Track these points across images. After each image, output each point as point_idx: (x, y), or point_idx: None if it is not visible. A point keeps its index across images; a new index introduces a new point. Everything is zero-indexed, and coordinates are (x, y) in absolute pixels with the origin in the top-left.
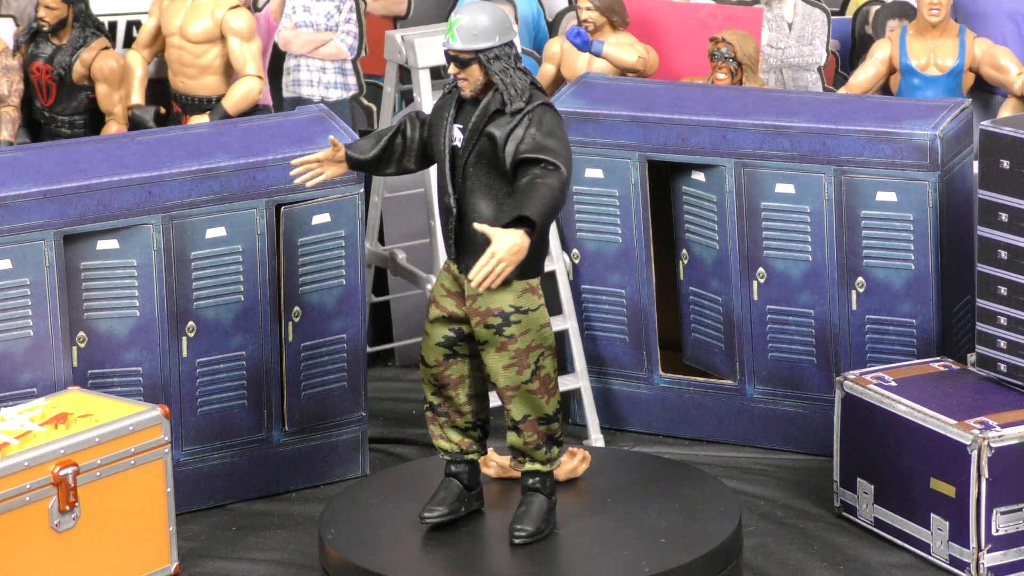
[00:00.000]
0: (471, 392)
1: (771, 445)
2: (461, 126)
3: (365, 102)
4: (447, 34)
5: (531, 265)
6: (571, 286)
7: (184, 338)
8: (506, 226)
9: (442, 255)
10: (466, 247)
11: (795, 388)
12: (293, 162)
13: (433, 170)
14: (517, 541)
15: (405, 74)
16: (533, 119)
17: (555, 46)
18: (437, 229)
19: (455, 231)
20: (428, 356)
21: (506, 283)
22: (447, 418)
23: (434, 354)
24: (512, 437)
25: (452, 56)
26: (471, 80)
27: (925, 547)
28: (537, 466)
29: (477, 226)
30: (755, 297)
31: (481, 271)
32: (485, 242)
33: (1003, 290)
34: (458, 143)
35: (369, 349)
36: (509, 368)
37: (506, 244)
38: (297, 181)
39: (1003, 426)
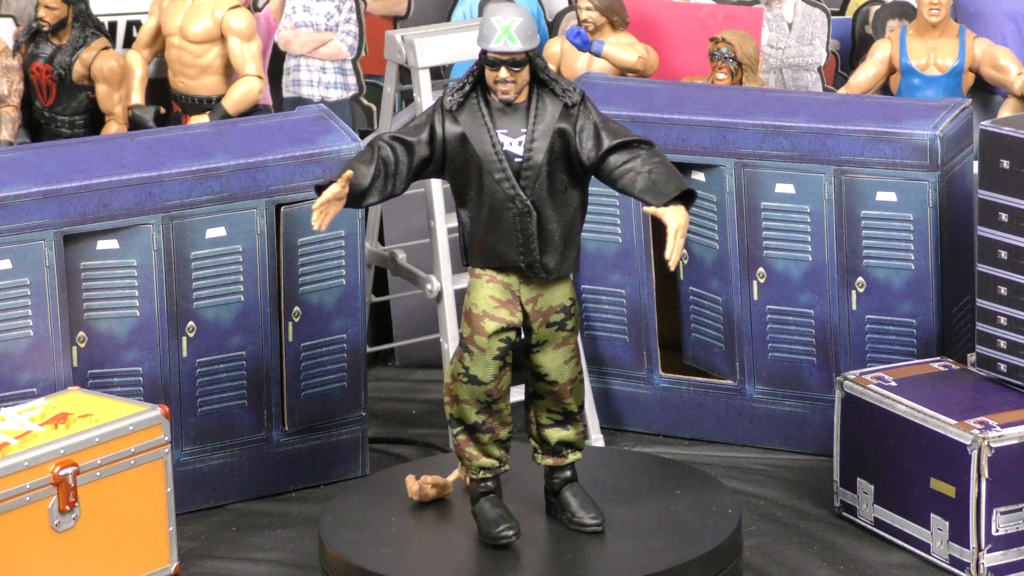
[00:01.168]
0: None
1: (771, 445)
2: (506, 131)
3: (365, 102)
4: (503, 37)
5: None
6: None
7: (184, 338)
8: (665, 205)
9: (443, 256)
10: (547, 247)
11: (795, 388)
12: (314, 207)
13: None
14: (600, 529)
15: (405, 74)
16: (590, 109)
17: (555, 46)
18: (437, 229)
19: (536, 235)
20: (483, 373)
21: (565, 277)
22: (492, 434)
23: (491, 369)
24: (560, 432)
25: (506, 59)
26: (519, 82)
27: (925, 547)
28: (578, 454)
29: (648, 209)
30: (755, 297)
31: (675, 251)
32: (562, 237)
33: (1003, 290)
34: (512, 148)
35: (369, 349)
36: (571, 361)
37: (683, 220)
38: (317, 228)
39: (1003, 426)
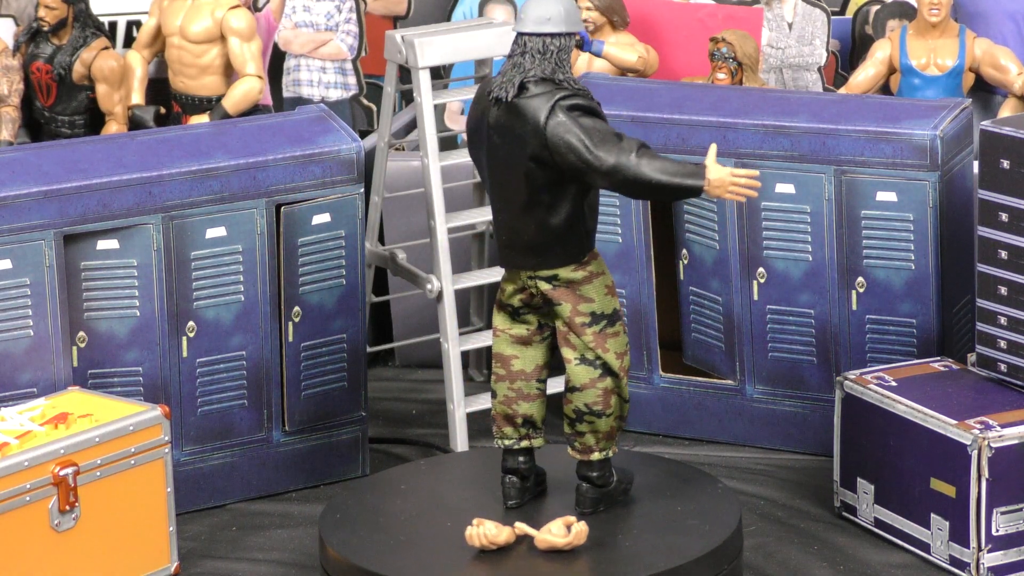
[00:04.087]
0: None
1: (771, 445)
2: None
3: (365, 102)
4: None
5: None
6: None
7: (184, 338)
8: None
9: (443, 256)
10: None
11: (795, 388)
12: (748, 182)
13: (433, 169)
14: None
15: (405, 74)
16: None
17: None
18: (437, 229)
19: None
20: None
21: None
22: None
23: None
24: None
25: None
26: None
27: (925, 547)
28: None
29: None
30: (755, 297)
31: None
32: None
33: (1003, 290)
34: None
35: (369, 349)
36: None
37: None
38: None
39: (1003, 426)
